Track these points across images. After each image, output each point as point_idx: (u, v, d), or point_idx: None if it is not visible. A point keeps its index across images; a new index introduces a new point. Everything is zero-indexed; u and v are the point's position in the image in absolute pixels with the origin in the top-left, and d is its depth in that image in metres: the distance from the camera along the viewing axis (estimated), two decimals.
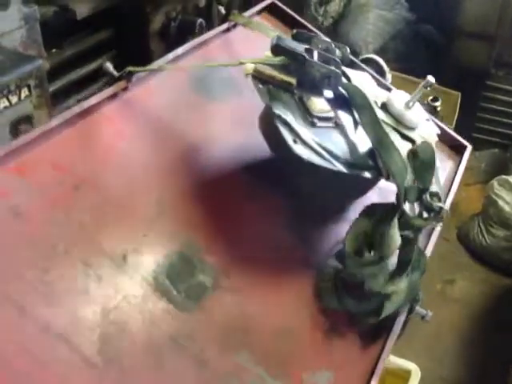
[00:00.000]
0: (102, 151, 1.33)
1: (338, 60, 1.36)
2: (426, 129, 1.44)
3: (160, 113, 1.47)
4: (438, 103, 3.20)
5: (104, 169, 1.30)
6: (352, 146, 1.29)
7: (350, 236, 1.25)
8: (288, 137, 1.19)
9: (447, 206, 1.54)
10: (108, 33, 2.43)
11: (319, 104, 1.31)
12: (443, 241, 3.40)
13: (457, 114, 3.58)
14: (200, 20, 2.55)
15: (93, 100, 1.37)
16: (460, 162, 1.78)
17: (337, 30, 4.05)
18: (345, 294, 1.24)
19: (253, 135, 1.41)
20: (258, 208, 1.38)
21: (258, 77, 1.29)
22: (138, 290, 1.14)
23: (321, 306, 1.24)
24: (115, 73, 1.47)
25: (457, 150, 1.82)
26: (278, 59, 1.33)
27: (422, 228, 1.27)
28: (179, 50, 1.60)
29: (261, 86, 1.28)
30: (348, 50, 1.46)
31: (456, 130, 3.64)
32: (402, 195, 1.22)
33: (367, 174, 1.25)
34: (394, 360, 2.05)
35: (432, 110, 3.21)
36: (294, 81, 1.30)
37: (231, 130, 1.52)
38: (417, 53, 4.03)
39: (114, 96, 1.43)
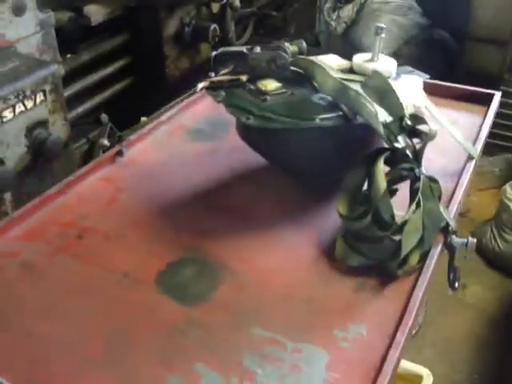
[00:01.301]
0: (103, 204, 1.39)
1: (282, 46, 1.37)
2: (407, 78, 1.45)
3: (159, 165, 1.54)
4: None
5: (106, 217, 1.36)
6: (311, 105, 1.29)
7: (340, 195, 1.26)
8: (241, 116, 1.24)
9: (477, 153, 1.52)
10: (122, 38, 2.45)
11: (270, 84, 1.33)
12: None
13: None
14: (214, 25, 2.57)
15: (89, 166, 1.46)
16: (488, 108, 1.76)
17: (350, 35, 4.06)
18: (361, 246, 1.21)
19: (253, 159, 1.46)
20: (256, 205, 1.41)
21: (210, 87, 1.34)
22: (139, 296, 1.15)
23: (341, 269, 1.21)
24: (107, 143, 1.56)
25: (485, 103, 1.80)
26: (227, 70, 1.38)
27: (419, 154, 1.25)
28: (177, 106, 1.73)
29: (214, 92, 1.33)
30: (304, 43, 1.47)
31: None
32: (378, 127, 1.21)
33: (328, 123, 1.25)
34: (405, 364, 2.04)
35: None
36: (244, 77, 1.34)
37: (230, 161, 1.56)
38: (430, 58, 4.02)
39: (110, 160, 1.51)
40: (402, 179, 1.28)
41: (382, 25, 1.40)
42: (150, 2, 2.37)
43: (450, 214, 1.28)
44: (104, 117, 2.28)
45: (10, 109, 1.55)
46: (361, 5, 4.14)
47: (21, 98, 1.58)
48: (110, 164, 1.50)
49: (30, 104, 1.61)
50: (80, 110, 2.25)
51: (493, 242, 3.26)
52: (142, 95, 2.54)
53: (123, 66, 2.49)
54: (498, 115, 4.06)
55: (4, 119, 1.54)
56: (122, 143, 1.53)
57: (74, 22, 2.09)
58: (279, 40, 1.50)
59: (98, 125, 2.34)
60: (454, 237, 1.24)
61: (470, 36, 4.00)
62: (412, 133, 1.25)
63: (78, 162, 2.09)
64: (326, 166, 1.37)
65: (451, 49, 4.10)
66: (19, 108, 1.58)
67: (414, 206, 1.19)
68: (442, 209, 1.24)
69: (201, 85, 1.35)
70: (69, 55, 2.16)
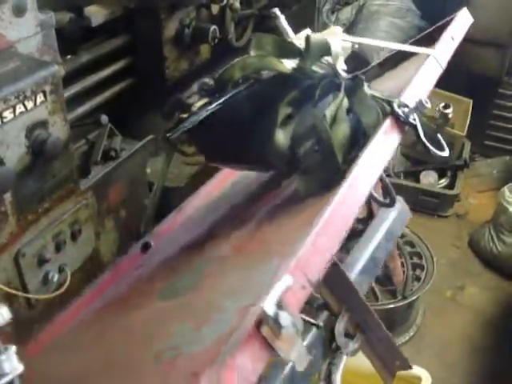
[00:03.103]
0: (130, 284, 1.46)
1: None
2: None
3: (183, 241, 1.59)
4: (449, 110, 3.20)
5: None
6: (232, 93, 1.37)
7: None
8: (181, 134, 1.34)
9: (435, 52, 1.58)
10: (123, 39, 2.45)
11: (199, 102, 1.40)
12: (454, 248, 3.39)
13: (468, 121, 3.57)
14: (213, 27, 2.57)
15: (121, 260, 1.55)
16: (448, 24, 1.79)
17: None
18: (316, 173, 1.26)
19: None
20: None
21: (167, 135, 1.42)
22: (143, 312, 1.22)
23: (310, 204, 1.23)
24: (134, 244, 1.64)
25: None
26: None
27: (333, 66, 1.33)
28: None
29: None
30: None
31: (468, 137, 3.66)
32: (284, 68, 1.29)
33: (243, 90, 1.33)
34: None
35: (443, 117, 3.21)
36: (185, 114, 1.40)
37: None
38: None
39: (140, 253, 1.59)
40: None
41: (276, 9, 1.57)
42: (150, 3, 2.37)
43: (399, 96, 1.29)
44: (104, 118, 2.28)
45: (11, 109, 1.55)
46: (359, 7, 4.15)
47: (21, 98, 1.58)
48: (140, 255, 1.56)
49: (30, 105, 1.62)
50: (80, 110, 2.25)
51: (491, 243, 3.26)
52: (141, 96, 2.54)
53: (123, 67, 2.49)
54: (496, 117, 4.03)
55: (4, 120, 1.54)
56: (148, 235, 1.62)
57: (74, 22, 2.09)
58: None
59: (98, 126, 2.34)
60: (404, 109, 1.26)
61: (469, 38, 4.00)
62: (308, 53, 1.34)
63: (77, 163, 2.09)
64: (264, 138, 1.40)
65: None
66: (19, 108, 1.58)
67: (332, 103, 1.25)
68: (376, 93, 1.30)
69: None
70: (69, 56, 2.16)
